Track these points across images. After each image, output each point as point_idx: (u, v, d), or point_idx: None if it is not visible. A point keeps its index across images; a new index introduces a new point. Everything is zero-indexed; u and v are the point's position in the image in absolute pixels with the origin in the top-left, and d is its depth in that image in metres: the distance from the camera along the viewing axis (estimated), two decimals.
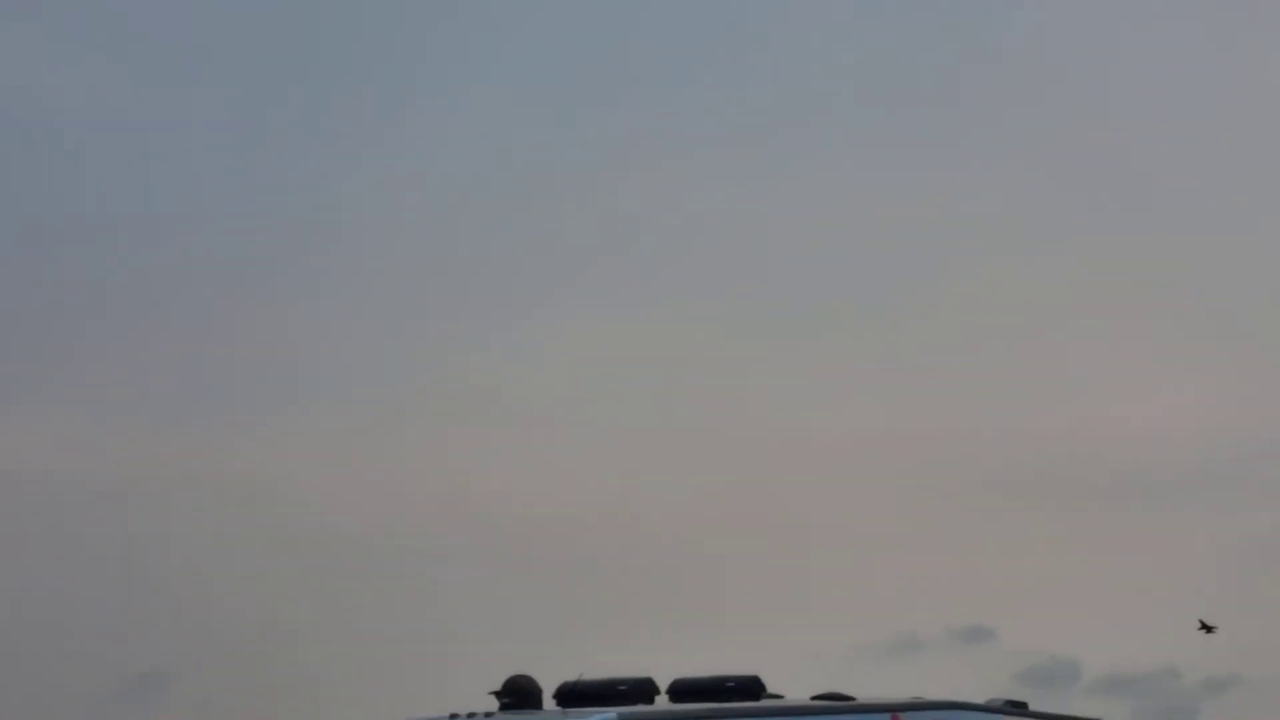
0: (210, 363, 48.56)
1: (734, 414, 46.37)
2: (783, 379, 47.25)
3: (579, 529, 44.85)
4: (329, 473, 46.39)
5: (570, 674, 17.77)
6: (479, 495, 45.56)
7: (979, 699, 19.89)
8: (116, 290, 49.08)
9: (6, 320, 48.37)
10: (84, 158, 50.76)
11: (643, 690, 17.64)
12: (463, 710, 17.02)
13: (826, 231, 48.62)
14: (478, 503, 45.56)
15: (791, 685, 18.55)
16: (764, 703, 17.83)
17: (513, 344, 47.75)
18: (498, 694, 17.49)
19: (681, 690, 17.84)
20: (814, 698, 18.76)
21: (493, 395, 47.39)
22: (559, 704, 17.54)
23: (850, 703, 18.65)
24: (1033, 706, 20.55)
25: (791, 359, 47.28)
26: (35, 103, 49.26)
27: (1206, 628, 25.91)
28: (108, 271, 49.29)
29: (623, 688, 17.49)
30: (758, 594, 40.66)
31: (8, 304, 48.48)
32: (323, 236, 50.12)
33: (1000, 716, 19.73)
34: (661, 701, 17.79)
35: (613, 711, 16.47)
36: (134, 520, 46.60)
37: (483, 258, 49.38)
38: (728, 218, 48.98)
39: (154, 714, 45.36)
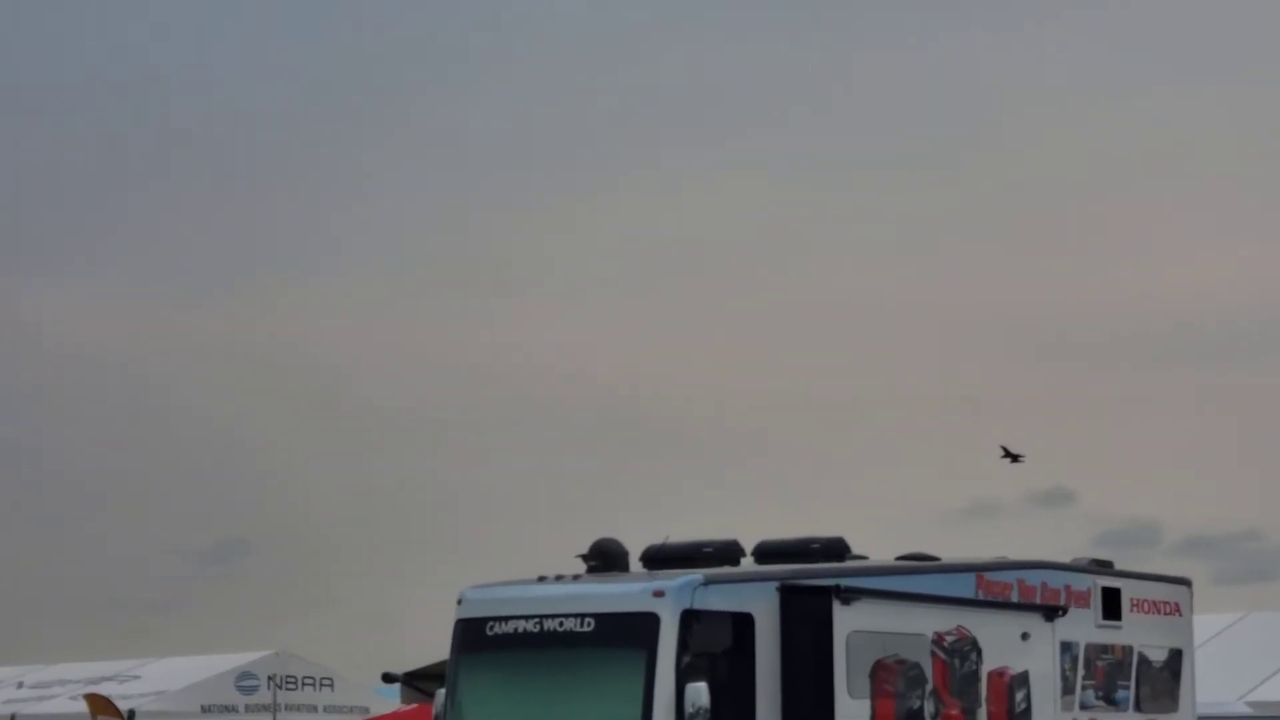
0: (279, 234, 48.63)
1: (815, 283, 46.22)
2: (861, 246, 47.02)
3: (663, 399, 44.95)
4: (408, 348, 46.58)
5: (656, 537, 17.86)
6: (561, 366, 45.70)
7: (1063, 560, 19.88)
8: (168, 158, 49.10)
9: (46, 193, 48.50)
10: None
11: (728, 552, 17.69)
12: (550, 574, 17.08)
13: (896, 98, 48.13)
14: (562, 373, 45.72)
15: (875, 547, 18.59)
16: (849, 563, 17.83)
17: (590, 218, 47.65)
18: (584, 557, 17.59)
19: (767, 552, 17.87)
20: (899, 558, 18.76)
21: (574, 268, 47.40)
22: (645, 566, 17.64)
23: (935, 563, 18.65)
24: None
25: (873, 228, 47.04)
26: None
27: (1011, 456, 24.08)
28: (148, 138, 49.27)
29: (708, 550, 17.56)
30: (838, 461, 40.70)
31: (46, 176, 48.56)
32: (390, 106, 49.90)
33: (1085, 575, 19.71)
34: (747, 563, 17.85)
35: (699, 573, 16.52)
36: (196, 394, 47.00)
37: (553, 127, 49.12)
38: (806, 92, 48.56)
39: (235, 578, 45.98)
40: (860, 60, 47.52)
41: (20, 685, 30.98)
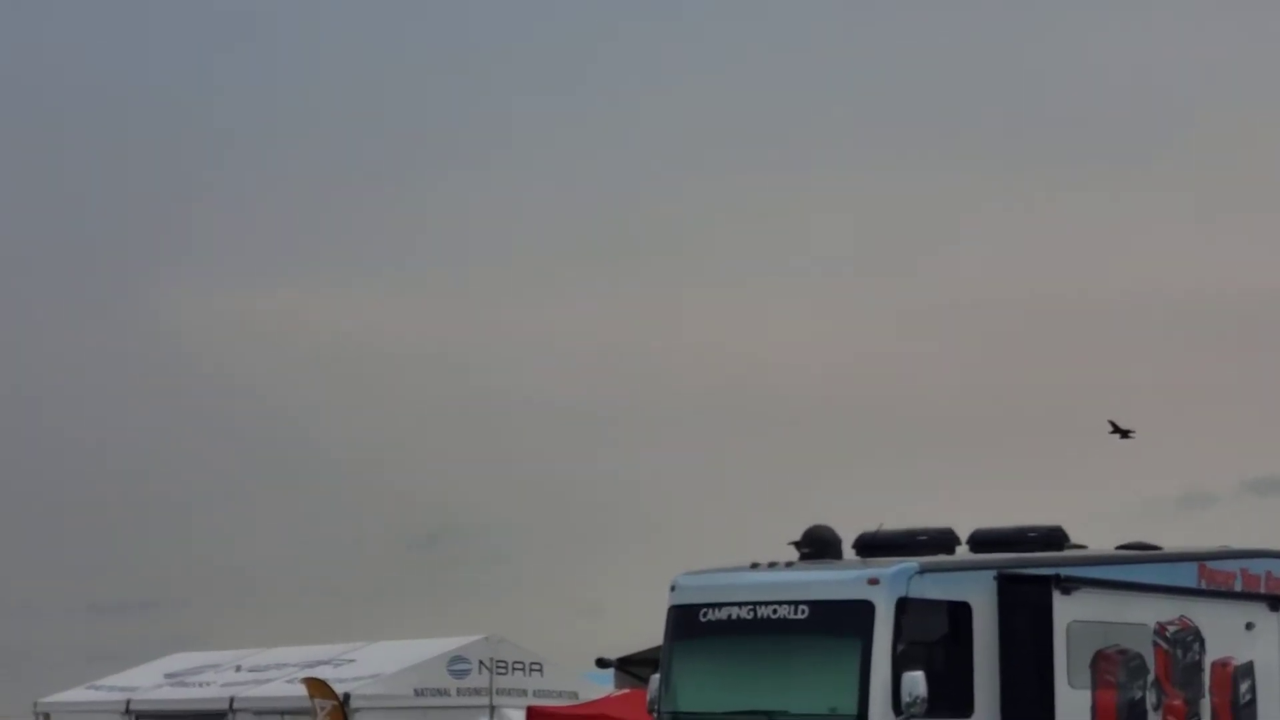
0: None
1: (1019, 272, 45.68)
2: (1066, 233, 46.38)
3: (877, 386, 44.70)
4: (606, 336, 46.74)
5: (869, 524, 17.74)
6: (777, 351, 45.60)
7: None
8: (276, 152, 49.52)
9: (177, 184, 48.99)
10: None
11: (943, 540, 17.53)
12: (763, 560, 17.03)
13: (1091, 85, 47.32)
14: (777, 359, 45.63)
15: (1091, 536, 18.33)
16: (1068, 552, 17.58)
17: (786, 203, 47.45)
18: (797, 544, 17.49)
19: (983, 540, 17.68)
20: (1119, 548, 18.47)
21: (771, 255, 47.26)
22: (859, 553, 17.50)
23: (1157, 552, 18.33)
24: None
25: (1086, 213, 46.36)
26: None
27: (1121, 432, 22.98)
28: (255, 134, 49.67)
29: (923, 538, 17.42)
30: (1047, 450, 40.18)
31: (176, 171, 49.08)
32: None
33: None
34: (962, 552, 17.67)
35: (914, 561, 16.39)
36: (402, 381, 47.55)
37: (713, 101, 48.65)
38: (1000, 82, 47.92)
39: (446, 565, 46.50)
40: None
41: (239, 669, 31.49)
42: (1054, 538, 17.68)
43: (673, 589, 17.19)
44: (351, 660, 30.48)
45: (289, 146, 49.87)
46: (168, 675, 32.22)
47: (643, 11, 49.88)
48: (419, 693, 29.20)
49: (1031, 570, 16.76)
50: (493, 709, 28.21)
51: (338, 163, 49.72)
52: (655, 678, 17.17)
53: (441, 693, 29.34)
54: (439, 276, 48.48)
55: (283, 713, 29.00)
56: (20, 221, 49.27)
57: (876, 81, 48.31)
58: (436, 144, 49.29)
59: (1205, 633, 17.90)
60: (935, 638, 16.22)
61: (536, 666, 30.28)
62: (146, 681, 32.04)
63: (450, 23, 49.59)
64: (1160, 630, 17.54)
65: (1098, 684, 16.90)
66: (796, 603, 16.31)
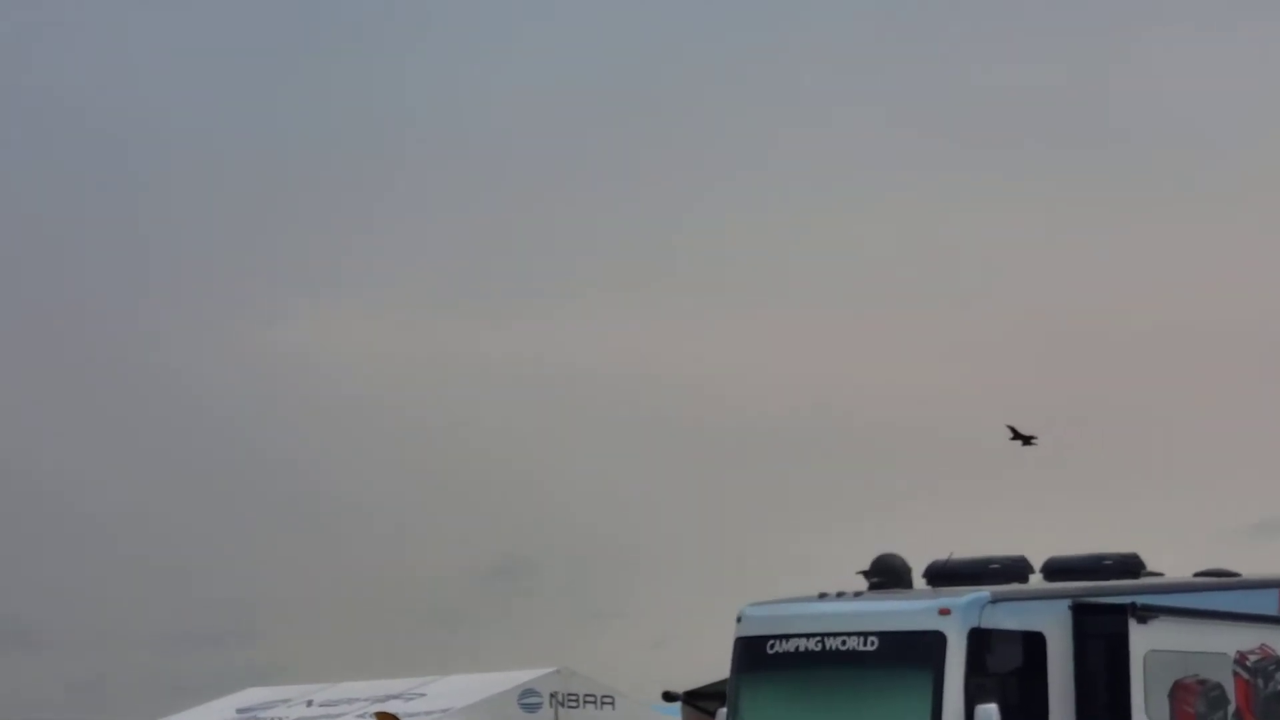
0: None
1: (1095, 297, 45.32)
2: (1143, 258, 45.99)
3: (949, 412, 44.36)
4: (698, 360, 46.60)
5: (938, 553, 17.50)
6: (836, 379, 45.38)
7: None
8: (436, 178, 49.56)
9: (304, 212, 49.09)
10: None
11: (1016, 569, 17.28)
12: (831, 590, 16.84)
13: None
14: (840, 386, 45.40)
15: (1167, 564, 18.04)
16: (1144, 580, 17.30)
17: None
18: (866, 573, 17.32)
19: (1057, 568, 17.42)
20: (1196, 574, 18.15)
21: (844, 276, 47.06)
22: (929, 583, 17.29)
23: (1236, 579, 18.01)
24: None
25: (1162, 241, 45.97)
26: None
27: (1022, 438, 22.33)
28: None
29: (995, 566, 17.19)
30: (1121, 476, 39.76)
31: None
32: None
33: None
34: (1035, 580, 17.42)
35: (986, 590, 16.16)
36: (478, 410, 47.55)
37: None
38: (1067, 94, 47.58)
39: (516, 595, 46.48)
40: None
41: (310, 704, 31.44)
42: (1130, 565, 17.42)
43: (739, 620, 17.01)
44: (422, 694, 30.38)
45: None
46: (240, 710, 32.20)
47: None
48: None
49: (1107, 599, 16.52)
50: None
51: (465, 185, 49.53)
52: (722, 711, 17.01)
53: None
54: (530, 303, 48.48)
55: None
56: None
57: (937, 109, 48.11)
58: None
59: None
60: (1009, 669, 16.00)
61: (608, 700, 30.08)
62: (218, 718, 32.06)
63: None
64: (1240, 659, 17.23)
65: (1176, 715, 16.62)
66: (866, 634, 16.12)
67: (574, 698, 29.57)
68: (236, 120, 48.82)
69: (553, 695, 29.43)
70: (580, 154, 48.65)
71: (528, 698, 29.52)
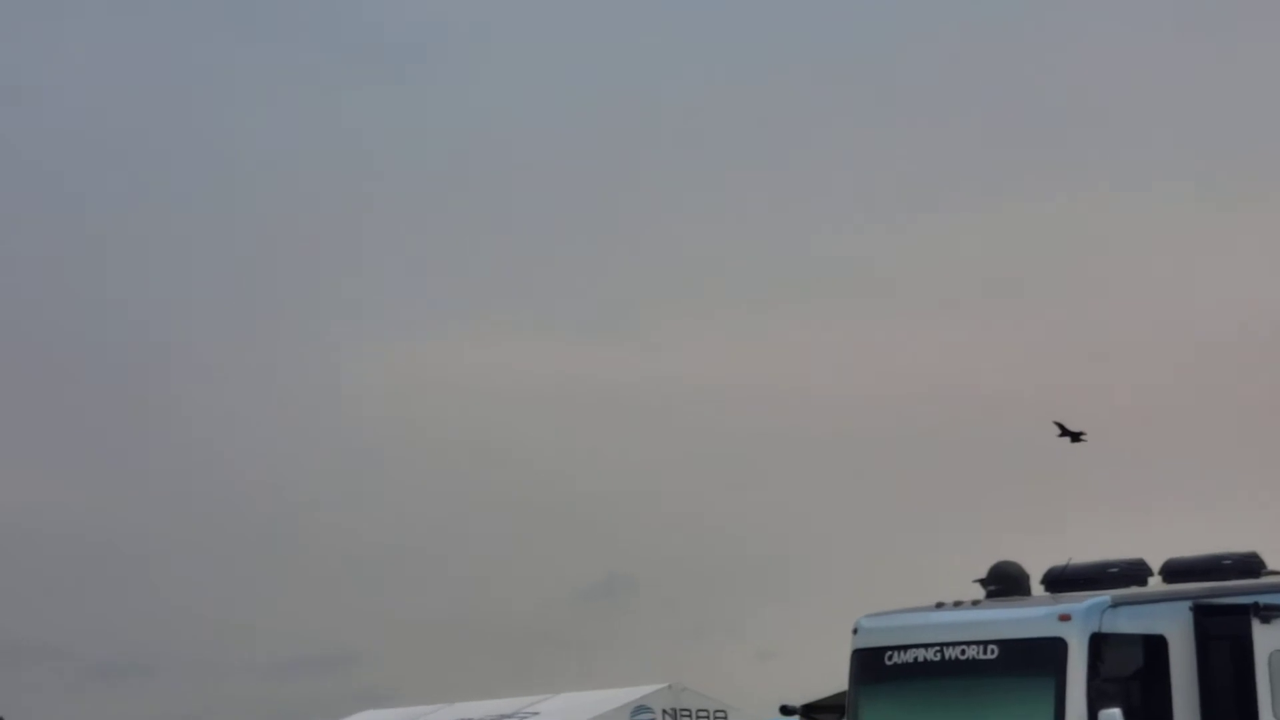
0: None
1: (1205, 298, 44.82)
2: (1237, 254, 45.50)
3: (1054, 417, 43.97)
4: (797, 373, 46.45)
5: (1055, 559, 17.35)
6: (946, 382, 45.08)
7: None
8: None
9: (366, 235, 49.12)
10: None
11: (1135, 572, 17.09)
12: (948, 600, 16.72)
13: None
14: (940, 388, 45.09)
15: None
16: (1265, 579, 17.07)
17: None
18: (983, 581, 17.18)
19: (1176, 570, 17.21)
20: None
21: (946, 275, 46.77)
22: (1047, 589, 17.13)
23: None
24: None
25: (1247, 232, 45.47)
26: None
27: (1071, 435, 21.67)
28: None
29: (1114, 570, 17.01)
30: (1238, 474, 39.30)
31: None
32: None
33: None
34: (1155, 583, 17.23)
35: (1106, 595, 16.00)
36: (572, 432, 47.59)
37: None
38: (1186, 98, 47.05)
39: (623, 611, 46.45)
40: None
41: None
42: (1250, 564, 17.16)
43: (855, 632, 16.89)
44: (535, 713, 30.42)
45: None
46: None
47: None
48: None
49: (1228, 599, 16.31)
50: None
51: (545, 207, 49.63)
52: None
53: None
54: (620, 320, 48.48)
55: None
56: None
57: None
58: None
59: None
60: (1131, 673, 15.83)
61: (721, 714, 30.02)
62: None
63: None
64: None
65: None
66: (985, 642, 15.99)
67: (687, 712, 29.53)
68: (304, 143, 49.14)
69: (665, 711, 29.39)
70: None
71: (640, 714, 29.50)
